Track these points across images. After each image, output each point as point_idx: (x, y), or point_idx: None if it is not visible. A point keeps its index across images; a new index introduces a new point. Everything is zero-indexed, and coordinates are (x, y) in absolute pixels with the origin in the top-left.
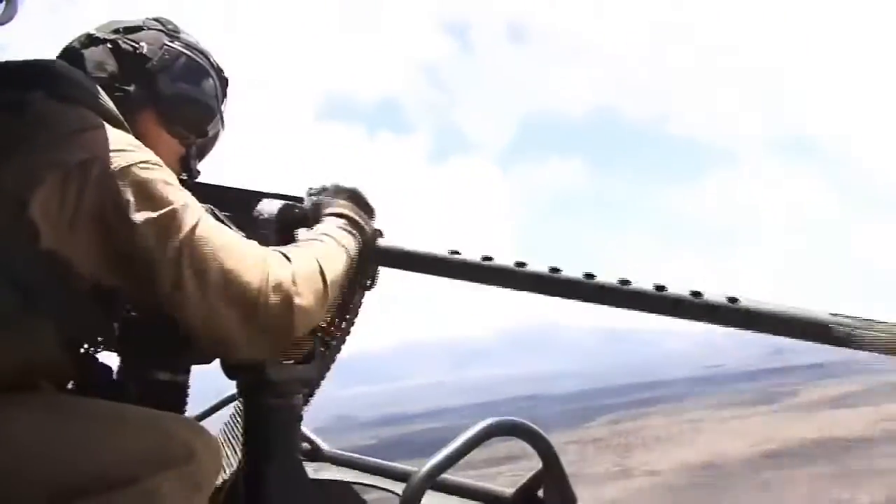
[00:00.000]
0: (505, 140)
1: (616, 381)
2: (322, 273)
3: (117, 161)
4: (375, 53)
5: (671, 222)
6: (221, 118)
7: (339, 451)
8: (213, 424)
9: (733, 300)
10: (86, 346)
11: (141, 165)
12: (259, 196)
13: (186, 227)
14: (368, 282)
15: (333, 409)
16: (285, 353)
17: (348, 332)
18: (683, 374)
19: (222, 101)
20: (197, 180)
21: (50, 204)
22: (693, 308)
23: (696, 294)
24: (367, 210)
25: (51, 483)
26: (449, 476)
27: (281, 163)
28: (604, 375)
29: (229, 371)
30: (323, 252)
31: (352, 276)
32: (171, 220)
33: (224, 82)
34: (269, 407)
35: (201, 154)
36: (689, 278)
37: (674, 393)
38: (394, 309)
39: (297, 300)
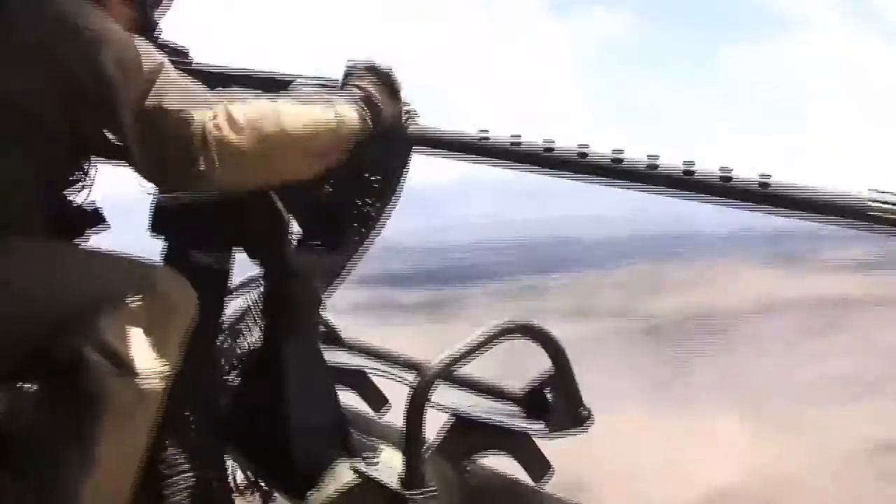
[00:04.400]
0: None
1: (657, 228)
2: (264, 119)
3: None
4: None
5: (730, 83)
6: None
7: (357, 339)
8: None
9: (764, 184)
10: (65, 189)
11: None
12: (296, 79)
13: (145, 69)
14: (401, 166)
15: (378, 239)
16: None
17: (378, 220)
18: (724, 229)
19: None
20: (235, 66)
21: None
22: (723, 190)
23: (726, 177)
24: (393, 93)
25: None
26: (461, 371)
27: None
28: (648, 222)
29: (252, 254)
30: (292, 108)
31: (381, 160)
32: (131, 64)
33: None
34: (290, 291)
35: (153, 5)
36: (748, 144)
37: (705, 246)
38: None
39: (213, 132)
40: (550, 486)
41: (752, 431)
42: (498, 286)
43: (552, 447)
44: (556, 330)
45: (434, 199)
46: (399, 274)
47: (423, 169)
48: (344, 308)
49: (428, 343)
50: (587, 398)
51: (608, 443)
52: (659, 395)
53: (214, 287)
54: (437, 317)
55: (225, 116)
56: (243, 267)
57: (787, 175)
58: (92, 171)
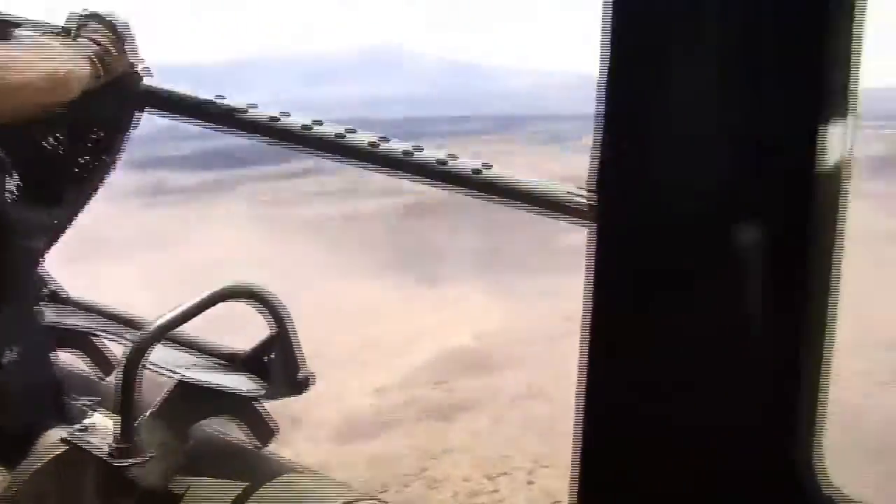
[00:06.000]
0: None
1: (450, 111)
2: None
3: None
4: None
5: None
6: None
7: (81, 298)
8: None
9: (477, 171)
10: None
11: None
12: (22, 24)
13: None
14: (129, 124)
15: (158, 121)
16: None
17: (102, 179)
18: (515, 111)
19: None
20: None
21: None
22: (442, 175)
23: (442, 162)
24: (126, 48)
25: None
26: (184, 333)
27: None
28: (441, 104)
29: None
30: (13, 55)
31: (108, 116)
32: None
33: None
34: (7, 246)
35: None
36: None
37: (495, 126)
38: (235, 19)
39: None
40: None
41: (489, 301)
42: (276, 168)
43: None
44: (323, 209)
45: (217, 80)
46: (176, 157)
47: (204, 49)
48: (121, 192)
49: (202, 222)
50: (340, 274)
51: (353, 314)
52: (411, 270)
53: None
54: (211, 198)
55: None
56: None
57: None
58: None
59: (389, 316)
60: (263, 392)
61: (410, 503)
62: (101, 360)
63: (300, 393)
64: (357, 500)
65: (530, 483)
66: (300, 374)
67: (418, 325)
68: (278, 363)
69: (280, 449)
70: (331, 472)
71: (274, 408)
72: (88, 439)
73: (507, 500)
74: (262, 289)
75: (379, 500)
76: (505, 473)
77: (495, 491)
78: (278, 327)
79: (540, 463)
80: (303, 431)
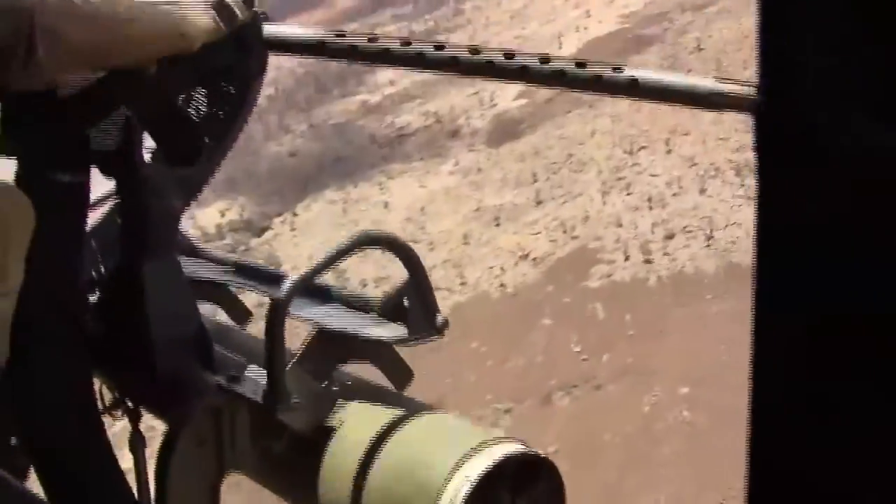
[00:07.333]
0: None
1: None
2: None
3: None
4: None
5: None
6: None
7: (216, 251)
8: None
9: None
10: None
11: None
12: None
13: None
14: (258, 71)
15: None
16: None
17: (238, 131)
18: None
19: None
20: None
21: None
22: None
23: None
24: None
25: None
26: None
27: None
28: None
29: (105, 169)
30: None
31: (235, 66)
32: None
33: None
34: (147, 206)
35: None
36: None
37: None
38: None
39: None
40: None
41: None
42: None
43: None
44: None
45: None
46: None
47: None
48: None
49: None
50: None
51: (501, 21)
52: None
53: (77, 206)
54: None
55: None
56: None
57: None
58: None
59: (536, 16)
60: (402, 337)
61: (559, 188)
62: (238, 310)
63: (438, 336)
64: (498, 442)
65: (669, 152)
66: (438, 320)
67: (563, 21)
68: (415, 309)
69: (443, 158)
70: (486, 172)
71: (433, 121)
72: (242, 386)
73: (648, 171)
74: (395, 236)
75: (518, 440)
76: (644, 147)
77: (636, 164)
78: (412, 273)
79: (677, 132)
80: (460, 140)
